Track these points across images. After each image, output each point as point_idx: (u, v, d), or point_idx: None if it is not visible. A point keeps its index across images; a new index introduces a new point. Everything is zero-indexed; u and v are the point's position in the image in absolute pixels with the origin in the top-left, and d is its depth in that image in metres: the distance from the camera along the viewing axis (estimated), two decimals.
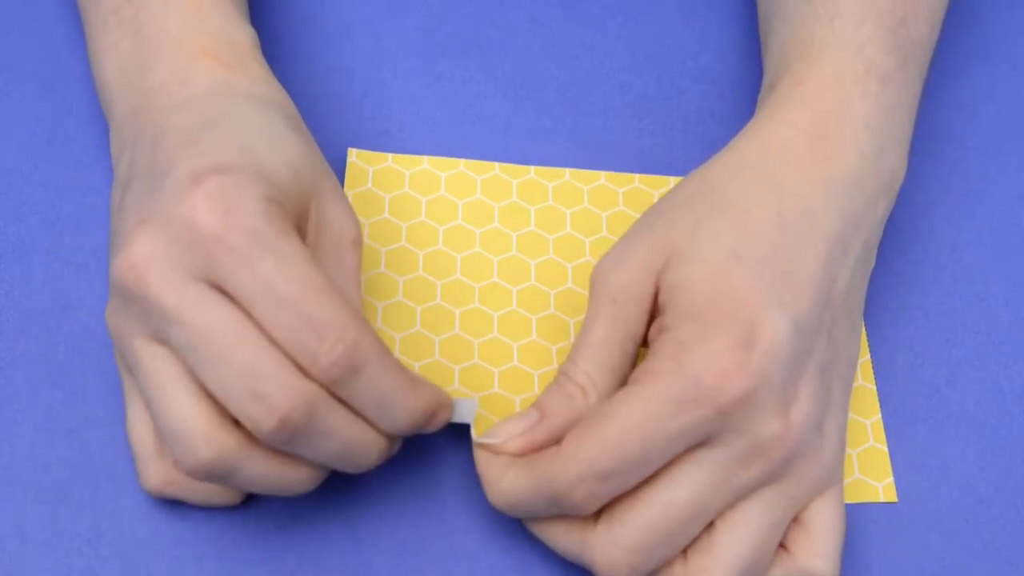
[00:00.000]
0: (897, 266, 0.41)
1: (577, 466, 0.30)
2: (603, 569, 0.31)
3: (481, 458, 0.33)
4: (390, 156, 0.41)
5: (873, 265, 0.36)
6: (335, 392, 0.30)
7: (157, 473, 0.33)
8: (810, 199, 0.33)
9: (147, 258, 0.29)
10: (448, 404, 0.32)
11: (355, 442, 0.31)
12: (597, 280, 0.33)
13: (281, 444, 0.30)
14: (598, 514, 0.32)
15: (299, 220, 0.32)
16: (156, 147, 0.32)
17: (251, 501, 0.35)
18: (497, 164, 0.41)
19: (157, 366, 0.30)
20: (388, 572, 0.34)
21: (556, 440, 0.32)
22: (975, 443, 0.38)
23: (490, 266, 0.39)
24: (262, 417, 0.29)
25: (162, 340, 0.30)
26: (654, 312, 0.33)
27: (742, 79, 0.45)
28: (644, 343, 0.34)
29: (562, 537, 0.32)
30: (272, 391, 0.29)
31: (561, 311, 0.38)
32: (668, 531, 0.30)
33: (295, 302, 0.29)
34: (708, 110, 0.44)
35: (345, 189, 0.40)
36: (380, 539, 0.35)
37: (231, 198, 0.29)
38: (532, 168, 0.41)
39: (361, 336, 0.29)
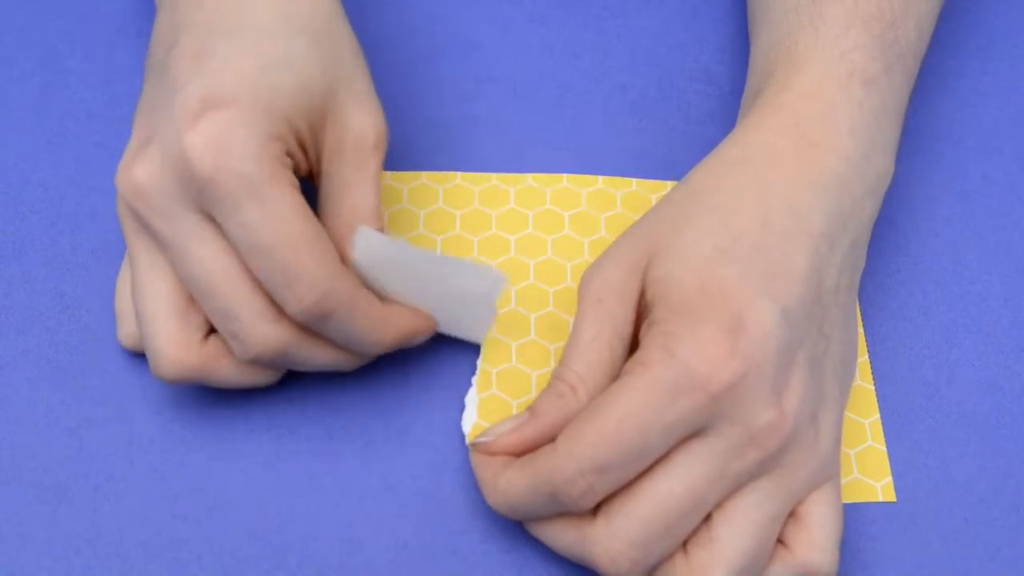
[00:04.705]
0: (897, 266, 0.41)
1: (574, 460, 0.30)
2: (604, 564, 0.31)
3: (477, 461, 0.33)
4: (388, 175, 0.41)
5: (863, 266, 0.36)
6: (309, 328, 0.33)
7: (130, 334, 0.36)
8: (795, 199, 0.33)
9: (147, 184, 0.31)
10: (426, 327, 0.35)
11: (329, 364, 0.34)
12: (583, 284, 0.34)
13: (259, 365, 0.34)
14: (596, 510, 0.32)
15: (313, 136, 0.33)
16: (175, 43, 0.33)
17: (251, 501, 0.35)
18: (494, 174, 0.41)
19: (148, 277, 0.33)
20: (388, 572, 0.34)
21: (548, 437, 0.32)
22: (975, 443, 0.38)
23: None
24: (238, 351, 0.33)
25: (157, 244, 0.33)
26: (641, 311, 0.33)
27: (742, 79, 0.45)
28: (635, 345, 0.34)
29: (562, 535, 0.32)
30: (245, 335, 0.32)
31: (559, 309, 0.38)
32: (667, 523, 0.30)
33: (272, 251, 0.30)
34: (708, 110, 0.44)
35: None
36: (380, 539, 0.35)
37: (227, 139, 0.30)
38: (529, 175, 0.41)
39: (332, 287, 0.31)
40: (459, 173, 0.41)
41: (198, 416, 0.37)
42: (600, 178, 0.42)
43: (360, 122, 0.34)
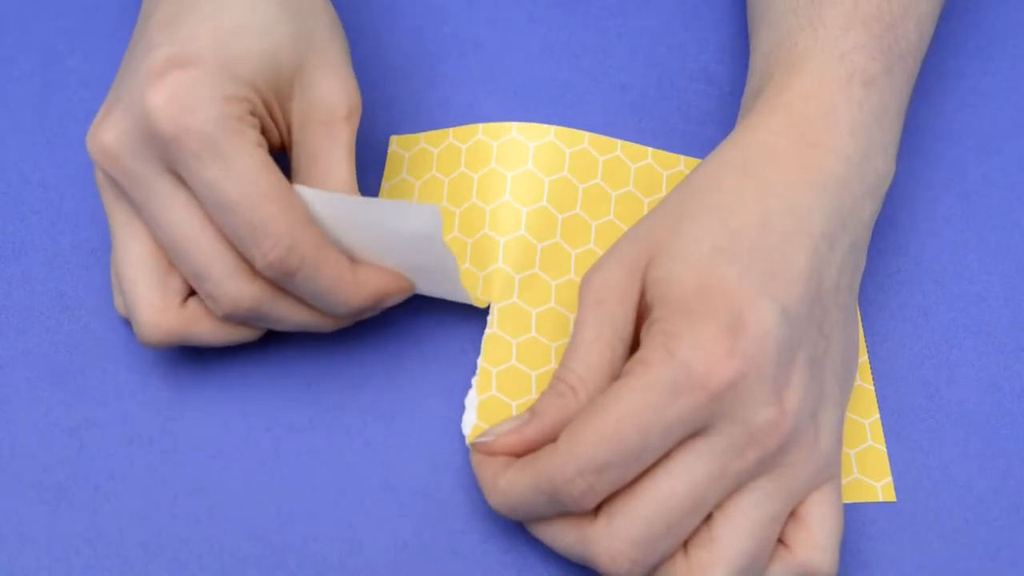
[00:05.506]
0: (897, 266, 0.41)
1: (574, 460, 0.30)
2: (605, 564, 0.31)
3: (477, 461, 0.33)
4: (395, 140, 0.41)
5: (864, 267, 0.36)
6: (280, 286, 0.33)
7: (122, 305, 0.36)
8: (794, 199, 0.33)
9: (114, 145, 0.32)
10: (400, 287, 0.35)
11: (304, 324, 0.34)
12: (584, 285, 0.34)
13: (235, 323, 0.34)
14: (597, 510, 0.32)
15: (280, 104, 0.34)
16: (150, 15, 0.34)
17: (251, 501, 0.35)
18: (514, 124, 0.40)
19: (127, 243, 0.33)
20: (388, 572, 0.34)
21: (549, 438, 0.32)
22: (975, 443, 0.38)
23: (496, 248, 0.39)
24: (213, 308, 0.33)
25: (134, 209, 0.33)
26: (642, 311, 0.33)
27: (742, 79, 0.45)
28: (636, 345, 0.34)
29: (562, 535, 0.32)
30: (218, 293, 0.32)
31: (561, 305, 0.38)
32: (668, 522, 0.30)
33: (236, 208, 0.31)
34: (708, 110, 0.44)
35: (384, 181, 0.41)
36: (380, 539, 0.35)
37: (188, 98, 0.31)
38: (552, 128, 0.41)
39: (297, 242, 0.31)
40: (480, 126, 0.41)
41: (198, 416, 0.37)
42: (620, 143, 0.41)
43: (331, 92, 0.34)
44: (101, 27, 0.45)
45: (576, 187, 0.40)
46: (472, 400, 0.36)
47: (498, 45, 0.45)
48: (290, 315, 0.34)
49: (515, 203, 0.39)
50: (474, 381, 0.37)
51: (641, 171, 0.41)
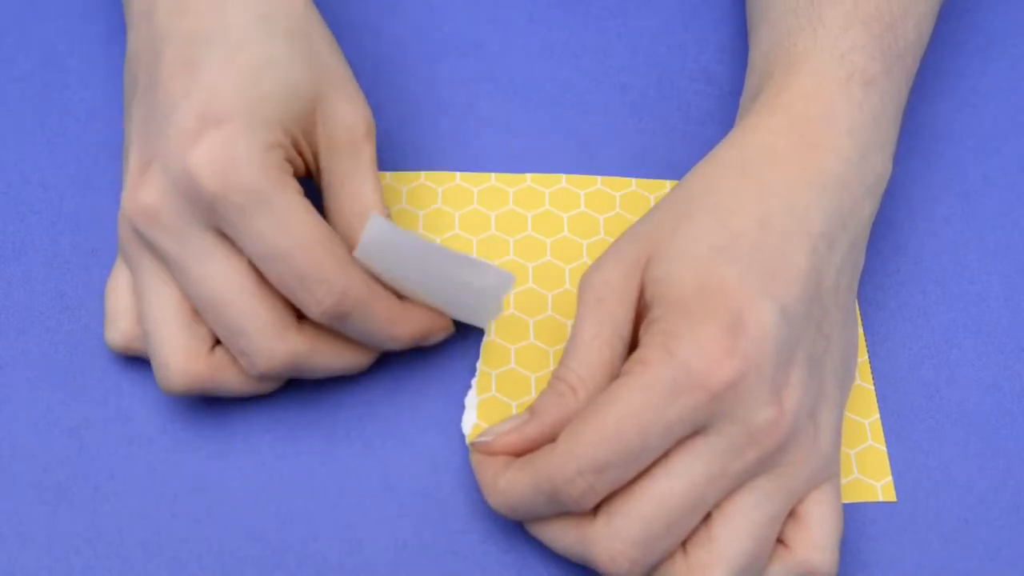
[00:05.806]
0: (897, 266, 0.41)
1: (574, 460, 0.30)
2: (605, 564, 0.31)
3: (477, 461, 0.33)
4: (388, 175, 0.41)
5: (862, 266, 0.36)
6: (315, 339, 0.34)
7: (121, 334, 0.35)
8: (794, 198, 0.33)
9: (156, 206, 0.32)
10: (443, 326, 0.35)
11: (341, 367, 0.35)
12: (583, 284, 0.34)
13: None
14: (596, 510, 0.32)
15: (305, 134, 0.34)
16: (159, 55, 0.33)
17: (251, 501, 0.35)
18: (493, 174, 0.41)
19: (154, 289, 0.33)
20: (388, 572, 0.34)
21: (548, 437, 0.33)
22: (975, 443, 0.38)
23: None
24: (247, 366, 0.33)
25: (163, 264, 0.33)
26: (641, 311, 0.33)
27: (742, 79, 0.45)
28: (634, 344, 0.34)
29: (562, 535, 0.32)
30: (253, 350, 0.32)
31: (558, 313, 0.38)
32: (668, 522, 0.30)
33: (286, 257, 0.31)
34: (708, 110, 0.44)
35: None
36: (380, 539, 0.35)
37: (229, 156, 0.31)
38: (528, 176, 0.41)
39: (348, 287, 0.32)
40: (458, 173, 0.41)
41: (198, 416, 0.37)
42: (599, 179, 0.42)
43: (348, 114, 0.35)
44: (101, 27, 0.45)
45: (560, 216, 0.40)
46: (472, 400, 0.36)
47: (498, 45, 0.45)
48: (321, 367, 0.34)
49: (501, 235, 0.40)
50: (473, 382, 0.37)
51: (627, 197, 0.41)
